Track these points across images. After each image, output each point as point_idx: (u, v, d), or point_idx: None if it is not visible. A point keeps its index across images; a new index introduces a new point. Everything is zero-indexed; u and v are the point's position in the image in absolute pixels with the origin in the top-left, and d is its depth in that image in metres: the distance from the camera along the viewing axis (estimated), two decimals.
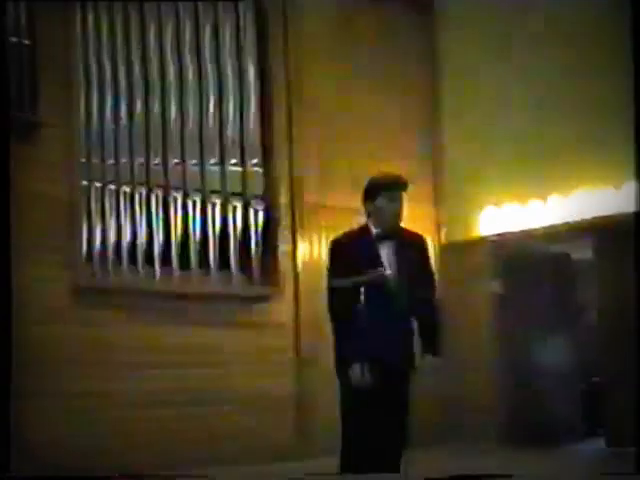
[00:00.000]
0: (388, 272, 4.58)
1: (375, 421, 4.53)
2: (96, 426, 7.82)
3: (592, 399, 9.93)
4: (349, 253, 4.67)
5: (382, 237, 4.69)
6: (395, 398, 4.67)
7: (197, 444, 8.35)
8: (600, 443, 9.24)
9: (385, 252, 4.65)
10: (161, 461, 7.96)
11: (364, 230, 4.78)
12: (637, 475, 3.37)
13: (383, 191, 4.65)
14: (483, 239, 10.00)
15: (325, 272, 4.75)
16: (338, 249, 4.80)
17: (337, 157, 9.70)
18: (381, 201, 4.66)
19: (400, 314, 4.63)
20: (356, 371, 4.48)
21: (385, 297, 4.56)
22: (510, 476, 4.49)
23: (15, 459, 3.75)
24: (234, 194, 9.04)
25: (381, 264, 4.59)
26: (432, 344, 4.73)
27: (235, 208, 9.01)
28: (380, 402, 4.54)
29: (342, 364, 4.61)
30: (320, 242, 9.51)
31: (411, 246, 4.73)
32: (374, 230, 4.72)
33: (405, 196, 4.70)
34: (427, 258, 4.87)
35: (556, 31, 9.32)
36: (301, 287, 9.28)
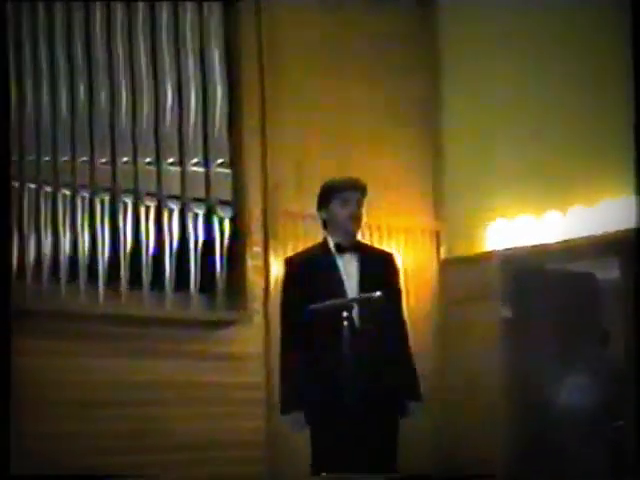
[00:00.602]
0: (349, 291, 4.32)
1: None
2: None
3: (618, 444, 9.04)
4: (304, 272, 4.42)
5: (341, 249, 4.44)
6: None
7: None
8: None
9: (345, 266, 4.40)
10: None
11: (321, 244, 4.55)
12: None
13: (336, 193, 4.47)
14: (490, 254, 9.02)
15: None
16: (292, 269, 4.56)
17: (319, 158, 8.62)
18: (335, 206, 4.47)
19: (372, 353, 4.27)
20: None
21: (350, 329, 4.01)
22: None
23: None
24: (195, 199, 7.96)
25: (341, 280, 4.32)
26: (414, 388, 4.48)
27: (196, 216, 7.93)
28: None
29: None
30: None
31: (376, 261, 4.47)
32: (331, 242, 4.47)
33: (364, 202, 4.54)
34: (396, 277, 4.60)
35: (561, 39, 8.68)
36: (272, 311, 8.03)
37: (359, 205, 4.52)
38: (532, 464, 8.69)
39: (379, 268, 4.40)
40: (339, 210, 4.48)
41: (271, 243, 8.30)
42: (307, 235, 8.35)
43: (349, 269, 4.41)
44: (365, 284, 4.33)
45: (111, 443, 7.29)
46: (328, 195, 4.52)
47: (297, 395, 4.34)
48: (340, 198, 4.49)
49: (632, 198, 7.90)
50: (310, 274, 4.38)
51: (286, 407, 4.40)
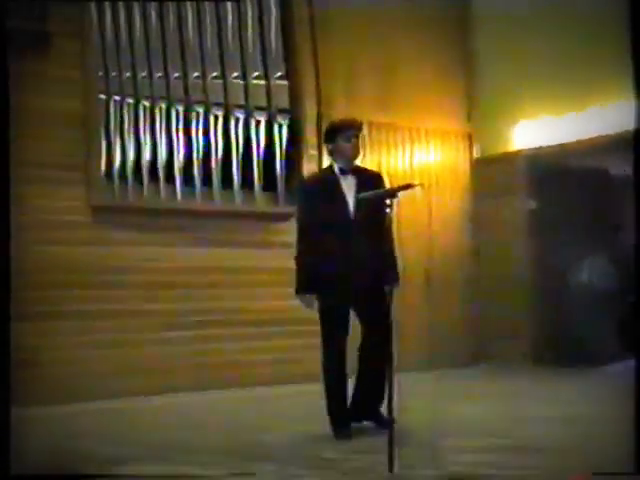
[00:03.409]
0: (349, 201, 5.28)
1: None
2: (109, 348, 7.74)
3: (629, 319, 9.68)
4: (315, 188, 5.47)
5: (343, 172, 5.38)
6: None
7: (215, 367, 8.22)
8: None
9: (346, 184, 5.34)
10: (183, 383, 7.96)
11: (328, 168, 5.56)
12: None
13: (340, 131, 5.38)
14: (517, 153, 9.63)
15: None
16: (305, 187, 5.78)
17: (364, 74, 9.34)
18: (339, 140, 5.36)
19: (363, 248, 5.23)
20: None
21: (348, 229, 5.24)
22: None
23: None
24: (258, 108, 8.69)
25: (342, 193, 5.29)
26: (396, 274, 5.34)
27: (259, 123, 8.67)
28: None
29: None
30: None
31: (369, 179, 5.36)
32: (336, 167, 5.40)
33: (360, 136, 5.47)
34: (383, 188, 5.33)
35: None
36: None
37: (357, 139, 5.38)
38: (556, 343, 9.41)
39: (371, 183, 5.21)
40: (343, 143, 5.34)
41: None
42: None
43: (349, 185, 5.32)
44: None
45: (185, 319, 8.10)
46: (334, 132, 5.39)
47: (307, 281, 5.29)
48: (343, 134, 5.35)
49: None
50: (320, 189, 5.39)
51: (299, 289, 5.35)
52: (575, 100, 9.12)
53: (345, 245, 5.21)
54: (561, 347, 9.36)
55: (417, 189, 4.77)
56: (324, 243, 5.20)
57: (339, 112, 8.92)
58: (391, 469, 3.99)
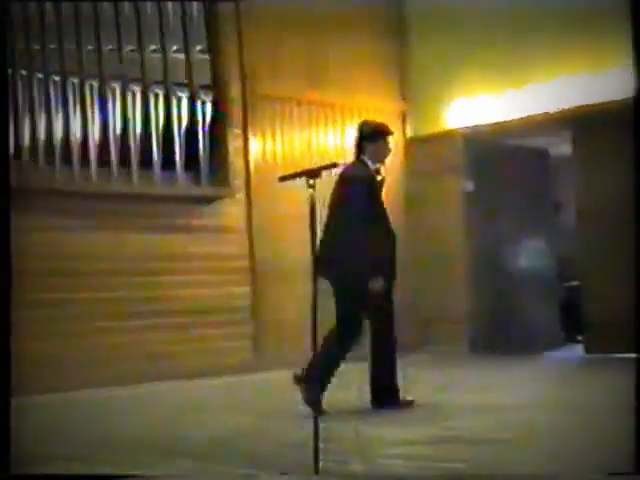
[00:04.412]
0: None
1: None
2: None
3: (571, 304, 9.70)
4: (375, 182, 5.89)
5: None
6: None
7: (152, 358, 7.99)
8: (579, 350, 8.97)
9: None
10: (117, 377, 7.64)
11: (363, 164, 5.87)
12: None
13: (385, 135, 5.91)
14: (453, 132, 9.47)
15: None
16: (373, 179, 5.90)
17: (292, 49, 9.08)
18: (382, 143, 5.88)
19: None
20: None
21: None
22: None
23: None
24: (178, 84, 8.34)
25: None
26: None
27: (180, 100, 8.32)
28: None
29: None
30: (274, 137, 8.94)
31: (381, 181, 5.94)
32: (371, 165, 5.87)
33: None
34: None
35: None
36: (253, 187, 8.72)
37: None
38: (494, 318, 9.36)
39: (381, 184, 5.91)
40: (383, 147, 5.89)
41: (250, 125, 8.73)
42: (283, 116, 8.99)
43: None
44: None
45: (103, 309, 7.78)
46: (380, 134, 5.88)
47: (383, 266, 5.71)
48: (386, 139, 5.90)
49: (591, 75, 8.40)
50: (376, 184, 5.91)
51: (380, 274, 5.65)
52: (513, 77, 9.02)
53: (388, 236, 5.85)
54: (500, 333, 9.25)
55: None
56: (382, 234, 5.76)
57: (265, 89, 8.80)
58: (316, 465, 3.78)
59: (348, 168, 5.83)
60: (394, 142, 9.22)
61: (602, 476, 3.60)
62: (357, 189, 5.71)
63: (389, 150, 5.97)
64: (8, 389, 3.73)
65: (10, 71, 7.46)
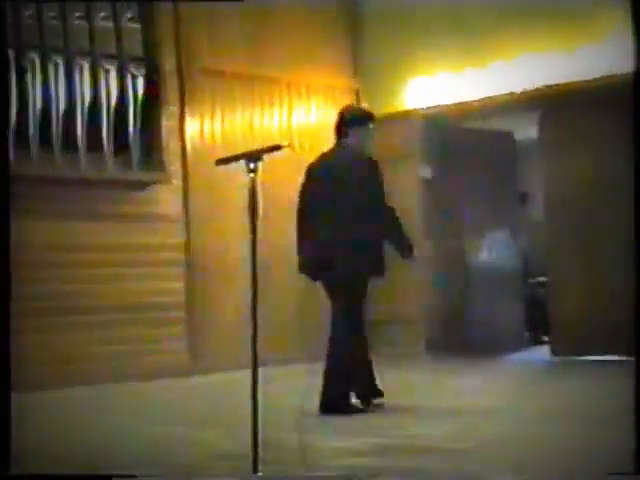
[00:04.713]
0: None
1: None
2: None
3: (538, 301, 9.76)
4: None
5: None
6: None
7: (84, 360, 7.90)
8: (545, 352, 9.02)
9: None
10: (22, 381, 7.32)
11: (350, 150, 6.08)
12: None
13: (371, 121, 6.12)
14: (410, 112, 9.45)
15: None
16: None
17: (233, 15, 8.97)
18: (369, 128, 6.10)
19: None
20: None
21: None
22: None
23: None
24: (106, 55, 8.18)
25: None
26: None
27: (107, 72, 8.17)
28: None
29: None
30: (214, 116, 8.84)
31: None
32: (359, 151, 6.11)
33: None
34: None
35: None
36: (191, 171, 8.63)
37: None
38: (455, 317, 9.34)
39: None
40: (371, 133, 6.11)
41: (187, 101, 8.63)
42: (224, 93, 8.87)
43: None
44: None
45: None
46: (367, 119, 6.12)
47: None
48: (372, 125, 6.11)
49: (558, 53, 8.38)
50: None
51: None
52: (475, 54, 9.00)
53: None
54: (460, 333, 9.26)
55: (287, 151, 4.44)
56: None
57: (204, 62, 8.69)
58: (255, 471, 3.72)
59: (342, 154, 6.01)
60: None
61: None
62: (374, 177, 5.95)
63: (372, 136, 6.18)
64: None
65: None
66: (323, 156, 6.12)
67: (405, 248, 6.02)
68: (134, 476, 4.02)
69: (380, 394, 5.92)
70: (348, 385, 5.76)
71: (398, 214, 6.12)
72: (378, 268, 5.88)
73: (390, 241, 6.02)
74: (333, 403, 5.66)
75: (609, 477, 3.62)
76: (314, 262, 5.84)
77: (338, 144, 6.09)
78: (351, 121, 6.08)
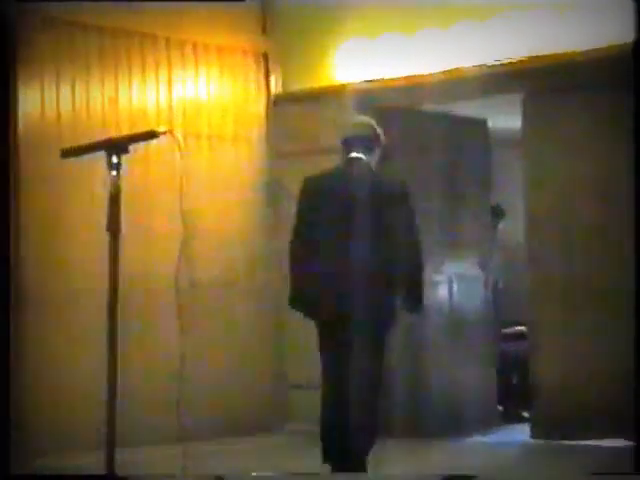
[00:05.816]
0: None
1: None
2: None
3: (514, 362, 9.90)
4: None
5: None
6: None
7: None
8: (525, 431, 9.10)
9: None
10: None
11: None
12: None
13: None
14: (340, 88, 9.55)
15: None
16: None
17: None
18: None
19: None
20: None
21: None
22: None
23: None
24: None
25: None
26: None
27: None
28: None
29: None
30: (63, 85, 8.81)
31: None
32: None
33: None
34: None
35: None
36: (23, 163, 8.50)
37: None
38: (400, 399, 9.11)
39: None
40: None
41: (20, 62, 8.49)
42: (75, 52, 8.80)
43: None
44: None
45: None
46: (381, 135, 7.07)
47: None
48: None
49: (539, 11, 8.52)
50: None
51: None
52: (431, 11, 9.12)
53: None
54: (406, 408, 9.16)
55: (166, 139, 4.34)
56: None
57: (50, 8, 8.63)
58: None
59: (360, 171, 6.86)
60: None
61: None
62: (408, 208, 6.57)
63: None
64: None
65: None
66: (330, 171, 6.95)
67: (416, 299, 6.54)
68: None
69: None
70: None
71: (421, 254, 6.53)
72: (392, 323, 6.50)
73: (401, 286, 6.48)
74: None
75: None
76: (326, 298, 6.39)
77: (348, 160, 6.91)
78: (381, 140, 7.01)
